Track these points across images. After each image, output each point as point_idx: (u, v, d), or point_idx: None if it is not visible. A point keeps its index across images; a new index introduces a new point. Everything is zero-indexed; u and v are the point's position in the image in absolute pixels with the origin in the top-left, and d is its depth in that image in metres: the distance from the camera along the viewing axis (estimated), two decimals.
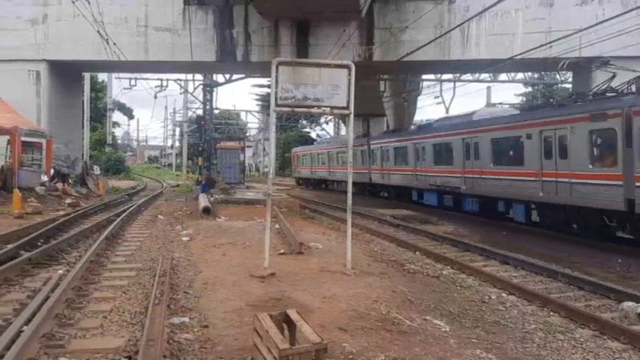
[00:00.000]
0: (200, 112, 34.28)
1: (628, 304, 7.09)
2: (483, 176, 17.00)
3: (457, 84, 29.50)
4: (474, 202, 17.91)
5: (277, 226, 13.54)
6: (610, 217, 12.51)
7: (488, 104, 29.09)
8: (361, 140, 29.09)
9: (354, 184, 33.62)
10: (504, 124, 16.28)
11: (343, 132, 52.41)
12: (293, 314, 4.75)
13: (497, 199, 16.66)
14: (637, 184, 11.17)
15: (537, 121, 14.52)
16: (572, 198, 13.10)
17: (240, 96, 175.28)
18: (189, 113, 59.09)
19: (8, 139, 19.88)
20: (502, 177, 16.07)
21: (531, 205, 15.27)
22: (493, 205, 16.97)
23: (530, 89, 47.64)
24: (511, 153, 16.07)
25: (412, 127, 28.95)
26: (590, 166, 12.60)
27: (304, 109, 9.00)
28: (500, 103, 19.28)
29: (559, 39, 15.63)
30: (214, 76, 29.99)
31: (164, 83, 31.13)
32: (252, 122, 73.96)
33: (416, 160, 22.35)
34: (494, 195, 16.61)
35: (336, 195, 28.43)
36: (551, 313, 7.24)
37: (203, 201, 18.14)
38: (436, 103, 41.93)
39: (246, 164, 45.22)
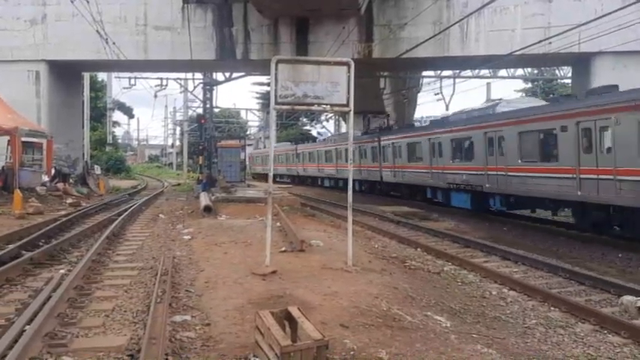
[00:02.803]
0: (200, 110, 34.24)
1: (628, 298, 7.12)
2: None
3: (457, 80, 29.58)
4: (344, 183, 29.06)
5: (278, 224, 13.53)
6: (378, 184, 27.31)
7: (488, 100, 30.36)
8: (292, 146, 45.37)
9: (287, 175, 50.83)
10: (363, 140, 29.41)
11: (344, 129, 52.66)
12: (294, 311, 4.77)
13: (355, 180, 29.25)
14: (383, 170, 26.08)
15: (364, 139, 29.07)
16: (372, 177, 27.87)
17: (240, 94, 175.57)
18: (190, 112, 59.11)
19: (8, 140, 19.86)
20: (360, 169, 29.12)
21: (364, 183, 29.70)
22: (354, 184, 27.50)
23: (530, 85, 47.65)
24: (360, 155, 29.24)
25: (322, 138, 45.00)
26: (373, 162, 27.49)
27: (304, 107, 8.94)
28: (499, 99, 19.69)
29: (558, 34, 15.62)
30: (214, 74, 29.98)
31: (164, 82, 31.18)
32: (253, 120, 74.01)
33: (318, 159, 37.19)
34: (355, 178, 27.99)
35: (338, 193, 29.22)
36: (552, 308, 7.27)
37: (204, 200, 18.12)
38: (436, 99, 42.08)
39: (247, 163, 45.86)
